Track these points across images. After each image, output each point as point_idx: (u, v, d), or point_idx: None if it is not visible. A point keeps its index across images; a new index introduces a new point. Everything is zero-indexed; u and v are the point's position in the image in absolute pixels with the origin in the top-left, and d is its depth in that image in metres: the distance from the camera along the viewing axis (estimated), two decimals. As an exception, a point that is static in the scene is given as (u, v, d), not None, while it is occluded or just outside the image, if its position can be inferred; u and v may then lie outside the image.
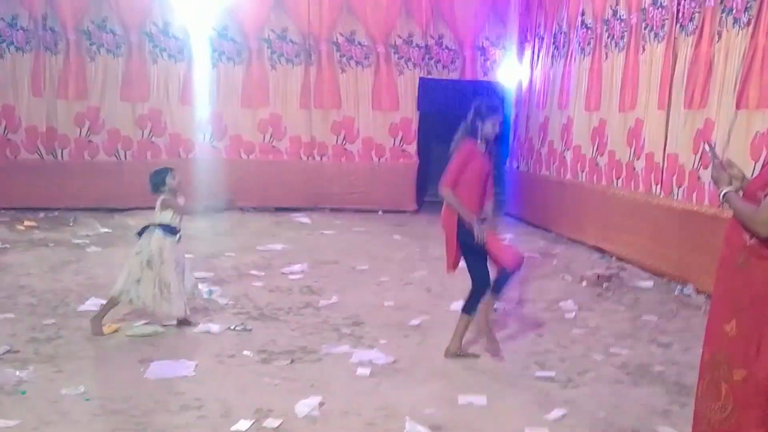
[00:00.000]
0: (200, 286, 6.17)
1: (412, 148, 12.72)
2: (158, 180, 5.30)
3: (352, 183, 12.49)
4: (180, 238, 5.38)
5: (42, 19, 11.41)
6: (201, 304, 6.02)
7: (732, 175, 3.13)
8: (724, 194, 3.08)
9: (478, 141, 4.82)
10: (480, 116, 4.78)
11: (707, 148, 3.35)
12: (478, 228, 4.66)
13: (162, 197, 5.28)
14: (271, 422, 3.80)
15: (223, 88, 12.10)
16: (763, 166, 3.04)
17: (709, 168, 3.25)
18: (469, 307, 4.89)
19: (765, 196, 2.88)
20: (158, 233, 5.25)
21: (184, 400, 4.08)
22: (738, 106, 6.50)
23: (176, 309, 5.30)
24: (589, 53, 9.67)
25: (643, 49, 8.27)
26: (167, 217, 5.27)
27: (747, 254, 2.94)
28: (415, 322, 5.84)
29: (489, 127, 4.78)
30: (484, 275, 4.83)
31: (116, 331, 5.30)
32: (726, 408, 3.05)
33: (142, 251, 5.24)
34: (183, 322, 5.47)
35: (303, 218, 11.50)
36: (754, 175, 3.20)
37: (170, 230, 5.28)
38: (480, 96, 5.32)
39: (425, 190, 13.58)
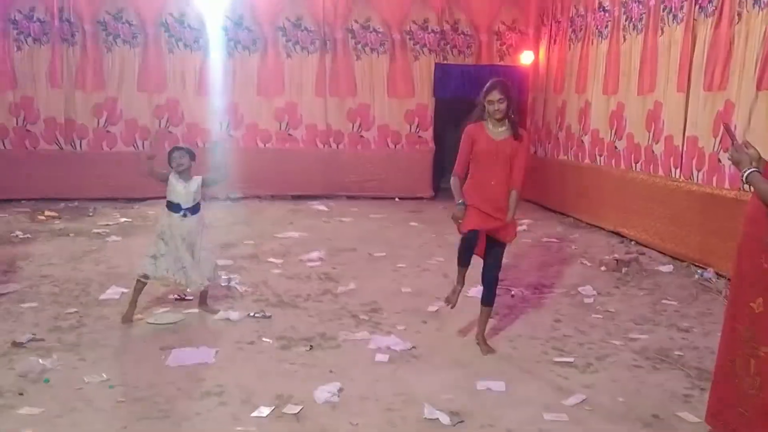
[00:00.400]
0: (220, 272, 6.22)
1: (428, 134, 12.69)
2: (168, 157, 5.38)
3: (368, 170, 12.49)
4: (185, 214, 5.34)
5: (58, 11, 11.47)
6: (222, 291, 6.07)
7: (749, 156, 3.11)
8: (747, 175, 3.06)
9: (486, 122, 4.72)
10: (481, 97, 4.71)
11: (726, 129, 3.33)
12: (456, 209, 4.64)
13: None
14: (291, 408, 3.83)
15: (239, 77, 12.12)
16: None
17: (729, 150, 3.24)
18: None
19: None
20: (165, 210, 5.39)
21: (205, 387, 4.12)
22: (759, 88, 6.43)
23: (189, 281, 5.36)
24: (607, 36, 9.58)
25: (662, 31, 8.18)
26: (171, 194, 5.35)
27: None
28: (432, 308, 5.85)
29: (488, 106, 4.66)
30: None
31: (139, 319, 5.35)
32: (755, 383, 3.10)
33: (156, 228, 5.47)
34: (202, 302, 5.61)
35: (320, 206, 11.53)
36: None
37: (173, 207, 5.34)
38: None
39: (442, 177, 13.55)
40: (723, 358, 3.35)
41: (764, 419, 3.11)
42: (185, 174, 5.35)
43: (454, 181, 4.80)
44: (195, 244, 5.42)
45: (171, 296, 5.90)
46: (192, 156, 5.39)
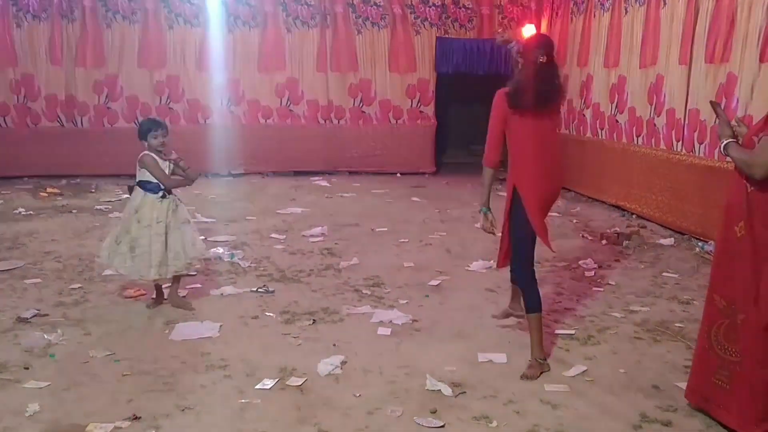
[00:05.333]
0: (219, 250, 6.23)
1: (430, 109, 12.64)
2: (141, 132, 4.87)
3: (369, 146, 12.47)
4: (164, 195, 4.90)
5: (57, -13, 11.41)
6: (224, 266, 6.09)
7: (739, 133, 3.27)
8: (725, 145, 3.25)
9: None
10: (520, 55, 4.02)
11: (713, 106, 3.44)
12: (482, 216, 4.09)
13: (140, 155, 4.86)
14: (295, 381, 3.87)
15: (240, 53, 12.07)
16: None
17: (717, 124, 3.37)
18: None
19: (759, 140, 3.01)
20: (137, 191, 4.92)
21: (209, 361, 4.16)
22: (762, 60, 6.39)
23: (136, 270, 4.88)
24: (609, 8, 9.50)
25: (665, 3, 8.12)
26: (145, 174, 4.87)
27: (748, 202, 3.13)
28: (434, 282, 5.88)
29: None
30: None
31: (142, 294, 5.38)
32: (733, 352, 3.21)
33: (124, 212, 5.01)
34: (173, 294, 5.11)
35: (322, 182, 11.54)
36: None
37: (151, 188, 4.88)
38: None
39: (444, 152, 13.54)
40: (703, 331, 3.43)
41: (746, 389, 3.18)
42: (162, 153, 4.88)
43: (486, 174, 4.04)
44: (179, 226, 4.96)
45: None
46: (167, 130, 4.94)
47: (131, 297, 5.34)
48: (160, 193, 4.91)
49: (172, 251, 4.93)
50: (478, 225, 4.07)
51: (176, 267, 4.96)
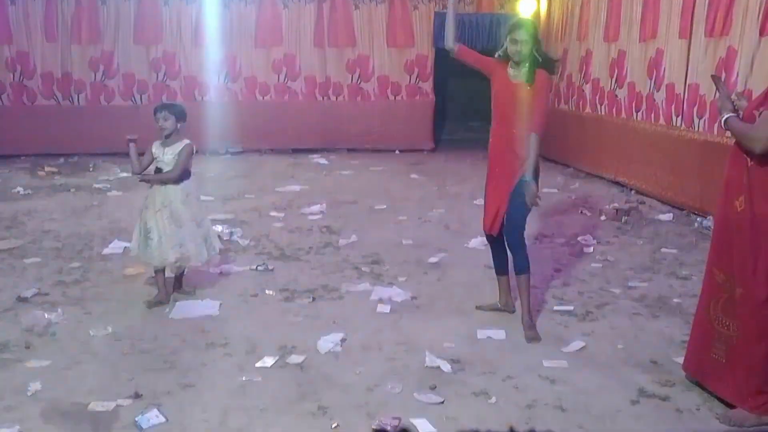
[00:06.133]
0: (219, 232, 6.22)
1: (429, 85, 12.56)
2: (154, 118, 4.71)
3: (368, 122, 12.40)
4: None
5: (51, -38, 11.28)
6: (224, 245, 6.09)
7: (739, 107, 3.26)
8: (726, 119, 3.25)
9: (509, 62, 4.22)
10: (505, 34, 4.27)
11: (714, 80, 3.44)
12: (534, 185, 4.18)
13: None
14: (295, 358, 3.89)
15: (236, 28, 11.96)
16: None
17: (717, 98, 3.37)
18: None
19: (760, 114, 3.00)
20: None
21: (210, 338, 4.18)
22: (762, 33, 6.34)
23: (156, 258, 4.66)
24: (609, -18, 9.41)
25: (665, -24, 8.04)
26: (155, 162, 4.73)
27: (748, 176, 3.12)
28: (433, 259, 5.89)
29: (510, 45, 4.16)
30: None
31: (142, 273, 5.38)
32: (731, 326, 3.25)
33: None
34: (177, 284, 4.95)
35: (320, 159, 11.51)
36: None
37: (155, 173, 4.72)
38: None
39: (442, 128, 13.49)
40: (701, 305, 3.45)
41: (742, 363, 3.20)
42: (170, 139, 4.66)
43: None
44: (180, 217, 4.67)
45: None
46: (179, 116, 4.66)
47: (131, 276, 5.34)
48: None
49: (188, 242, 4.71)
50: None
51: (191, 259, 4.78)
